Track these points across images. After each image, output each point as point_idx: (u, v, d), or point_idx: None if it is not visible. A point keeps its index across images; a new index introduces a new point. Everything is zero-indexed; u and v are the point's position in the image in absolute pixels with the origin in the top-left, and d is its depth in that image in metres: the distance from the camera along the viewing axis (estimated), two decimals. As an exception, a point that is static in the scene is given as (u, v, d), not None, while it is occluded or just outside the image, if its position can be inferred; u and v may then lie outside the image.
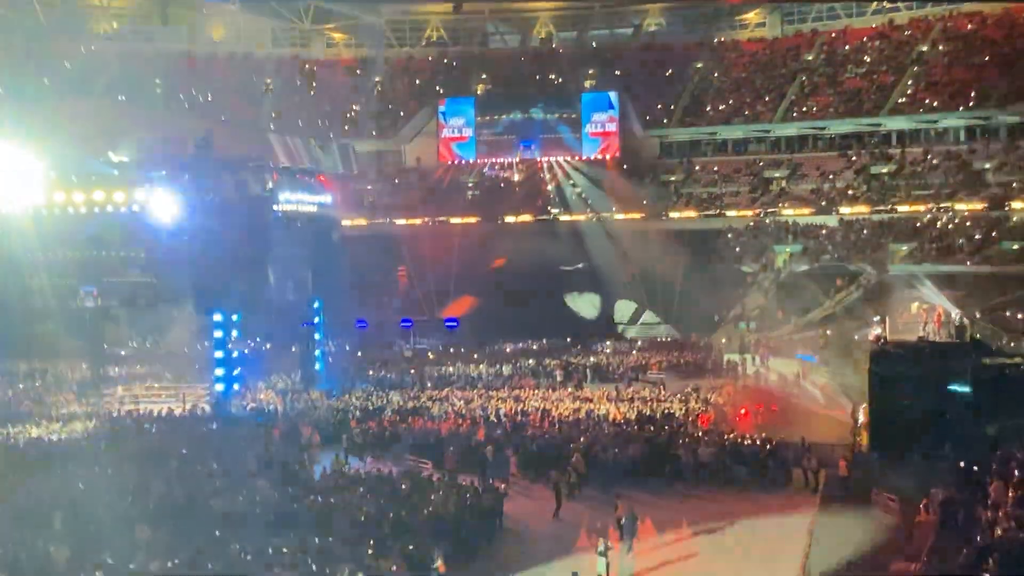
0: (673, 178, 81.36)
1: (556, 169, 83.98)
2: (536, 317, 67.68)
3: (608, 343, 65.93)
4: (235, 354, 49.50)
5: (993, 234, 64.71)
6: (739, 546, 30.43)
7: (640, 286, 71.28)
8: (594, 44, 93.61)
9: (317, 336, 56.74)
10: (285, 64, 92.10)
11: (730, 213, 76.08)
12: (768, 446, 38.67)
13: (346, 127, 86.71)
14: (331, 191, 56.87)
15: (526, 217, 78.60)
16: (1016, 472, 29.24)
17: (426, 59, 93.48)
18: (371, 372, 59.63)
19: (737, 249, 73.02)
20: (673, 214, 77.15)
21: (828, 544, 29.35)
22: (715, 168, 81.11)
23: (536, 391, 52.67)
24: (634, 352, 63.85)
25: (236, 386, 49.75)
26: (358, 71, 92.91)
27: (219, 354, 48.60)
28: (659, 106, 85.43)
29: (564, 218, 78.38)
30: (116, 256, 53.47)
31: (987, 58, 75.73)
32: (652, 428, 42.28)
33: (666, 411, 45.87)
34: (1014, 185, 67.60)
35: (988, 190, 68.49)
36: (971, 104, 73.20)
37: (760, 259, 71.30)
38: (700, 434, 40.95)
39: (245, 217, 44.46)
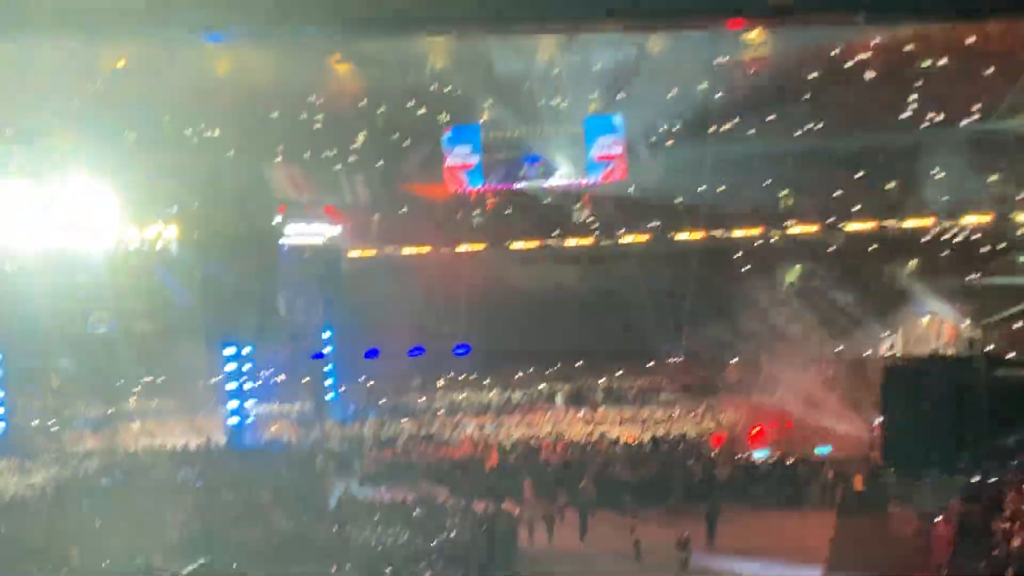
0: (680, 199, 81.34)
1: (563, 193, 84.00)
2: (546, 342, 67.59)
3: (619, 366, 65.81)
4: (248, 386, 49.59)
5: (1002, 245, 64.79)
6: (757, 563, 30.43)
7: (651, 308, 71.23)
8: (598, 67, 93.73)
9: (328, 367, 56.84)
10: (290, 96, 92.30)
11: (738, 233, 76.07)
12: (783, 463, 38.66)
13: (351, 158, 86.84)
14: (338, 222, 57.09)
15: (534, 243, 78.62)
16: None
17: (430, 87, 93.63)
18: (383, 401, 59.65)
19: (747, 267, 72.99)
20: (681, 235, 77.14)
21: (846, 560, 29.37)
22: (722, 187, 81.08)
23: (548, 415, 52.68)
24: (645, 374, 63.75)
25: (250, 418, 49.83)
26: (363, 101, 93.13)
27: (232, 386, 48.71)
28: (664, 127, 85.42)
29: (572, 242, 78.39)
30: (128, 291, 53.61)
31: (991, 70, 75.76)
32: (666, 449, 42.29)
33: (679, 432, 45.86)
34: (1021, 198, 67.67)
35: (994, 203, 68.53)
36: (977, 117, 73.29)
37: (770, 277, 71.27)
38: (714, 454, 40.93)
39: (254, 250, 44.61)
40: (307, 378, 59.96)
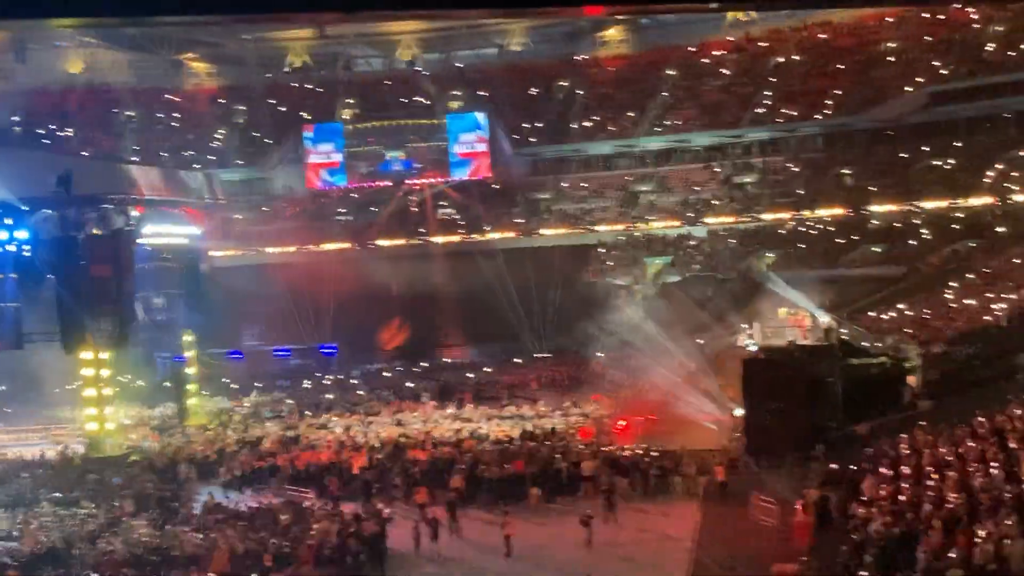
0: (543, 196, 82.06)
1: (427, 191, 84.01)
2: (413, 340, 67.55)
3: (487, 362, 66.05)
4: (106, 392, 48.35)
5: (855, 238, 66.77)
6: (625, 555, 30.77)
7: (516, 303, 71.67)
8: (459, 65, 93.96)
9: (190, 370, 55.82)
10: (146, 95, 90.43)
11: (600, 228, 77.03)
12: (648, 456, 39.19)
13: (211, 157, 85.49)
14: (198, 222, 56.09)
15: (399, 240, 78.48)
16: (888, 468, 30.13)
17: (290, 85, 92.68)
18: (247, 403, 58.86)
19: (609, 263, 73.96)
20: (545, 231, 77.79)
21: (710, 549, 29.87)
22: (584, 184, 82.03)
23: (416, 414, 52.59)
24: (512, 370, 64.09)
25: (109, 425, 48.58)
26: (221, 99, 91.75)
27: (90, 393, 47.43)
28: (526, 125, 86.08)
29: (437, 240, 78.46)
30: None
31: (841, 66, 78.11)
32: (533, 444, 42.54)
33: (546, 427, 46.19)
34: (872, 189, 69.83)
35: (848, 195, 70.62)
36: (828, 112, 75.41)
37: (632, 272, 72.30)
38: (581, 447, 41.29)
39: (111, 252, 43.45)
40: (168, 382, 58.78)
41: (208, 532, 31.85)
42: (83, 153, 77.85)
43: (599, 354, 61.26)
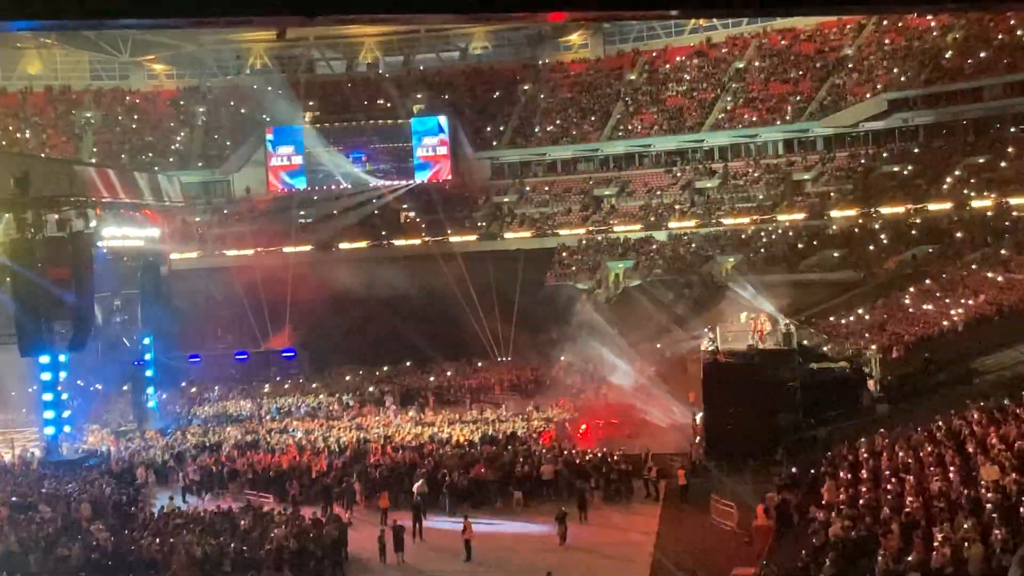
0: (506, 199, 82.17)
1: (388, 194, 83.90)
2: (375, 344, 67.27)
3: (448, 366, 65.90)
4: (64, 396, 47.91)
5: (814, 243, 67.22)
6: (586, 559, 30.81)
7: (477, 307, 71.51)
8: (421, 68, 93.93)
9: (149, 373, 55.39)
10: (105, 97, 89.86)
11: (563, 232, 77.17)
12: (609, 459, 39.25)
13: (171, 159, 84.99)
14: (158, 225, 55.61)
15: (360, 243, 78.26)
16: (847, 472, 30.33)
17: (251, 87, 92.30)
18: (207, 407, 58.47)
19: (572, 267, 74.10)
20: (507, 234, 77.85)
21: (670, 552, 29.97)
22: (546, 188, 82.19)
23: (378, 418, 52.39)
24: (474, 374, 63.98)
25: (67, 428, 48.14)
26: (181, 101, 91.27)
27: (48, 396, 46.95)
28: (489, 128, 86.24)
29: (398, 243, 78.30)
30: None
31: (801, 72, 78.72)
32: (495, 448, 42.50)
33: (508, 431, 46.16)
34: (832, 195, 70.36)
35: (808, 200, 71.11)
36: (788, 118, 75.95)
37: (594, 275, 72.48)
38: (542, 451, 41.29)
39: (69, 254, 43.01)
40: (127, 385, 58.27)
41: (167, 537, 31.58)
42: (41, 155, 77.13)
43: (561, 358, 61.33)
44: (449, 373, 64.32)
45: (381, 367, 66.30)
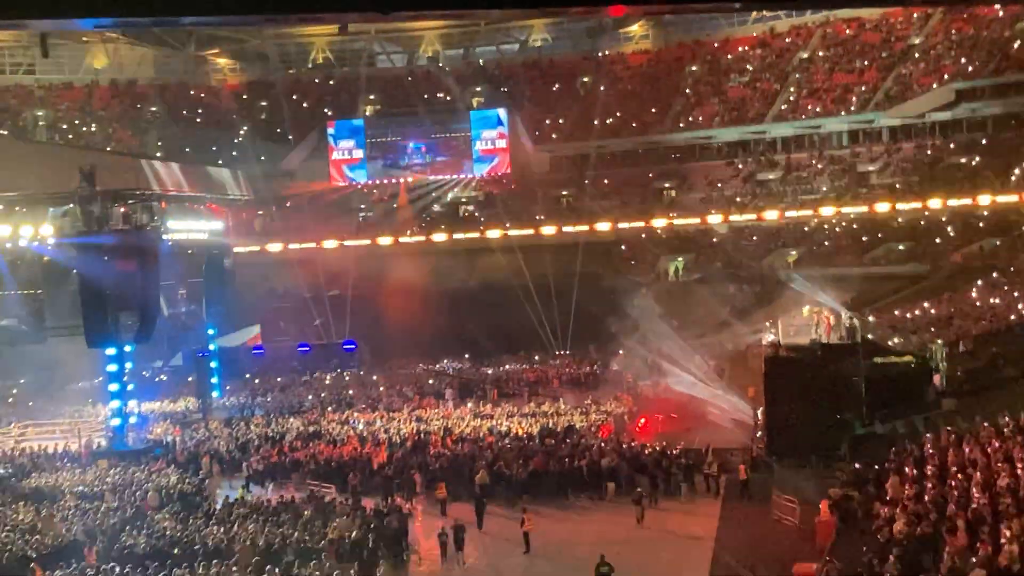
0: (564, 192, 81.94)
1: (448, 188, 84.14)
2: (434, 336, 67.49)
3: (506, 359, 66.03)
4: (130, 386, 48.58)
5: (879, 235, 66.43)
6: (645, 554, 30.70)
7: (536, 300, 71.52)
8: (481, 61, 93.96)
9: (213, 364, 56.03)
10: (170, 91, 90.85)
11: (622, 225, 76.80)
12: (668, 454, 39.12)
13: (234, 152, 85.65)
14: (222, 218, 56.26)
15: (420, 237, 78.47)
16: (912, 468, 29.98)
17: (313, 81, 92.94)
18: (270, 398, 59.07)
19: (631, 260, 73.82)
20: (566, 227, 77.62)
21: (730, 548, 29.81)
22: (605, 181, 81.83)
23: (437, 410, 52.59)
24: (532, 367, 64.04)
25: (132, 419, 48.82)
26: (245, 96, 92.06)
27: (114, 387, 47.62)
28: (548, 121, 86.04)
29: (458, 235, 78.43)
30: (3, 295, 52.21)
31: (866, 62, 77.75)
32: (553, 441, 42.51)
33: (567, 424, 46.14)
34: (897, 186, 69.44)
35: (872, 192, 70.24)
36: (852, 108, 75.02)
37: (653, 269, 72.18)
38: (601, 445, 41.23)
39: (134, 247, 43.60)
40: (191, 376, 59.04)
41: (230, 526, 31.94)
42: (106, 149, 78.13)
43: (620, 352, 61.20)
44: (507, 366, 64.48)
45: (440, 360, 66.60)
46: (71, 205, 43.79)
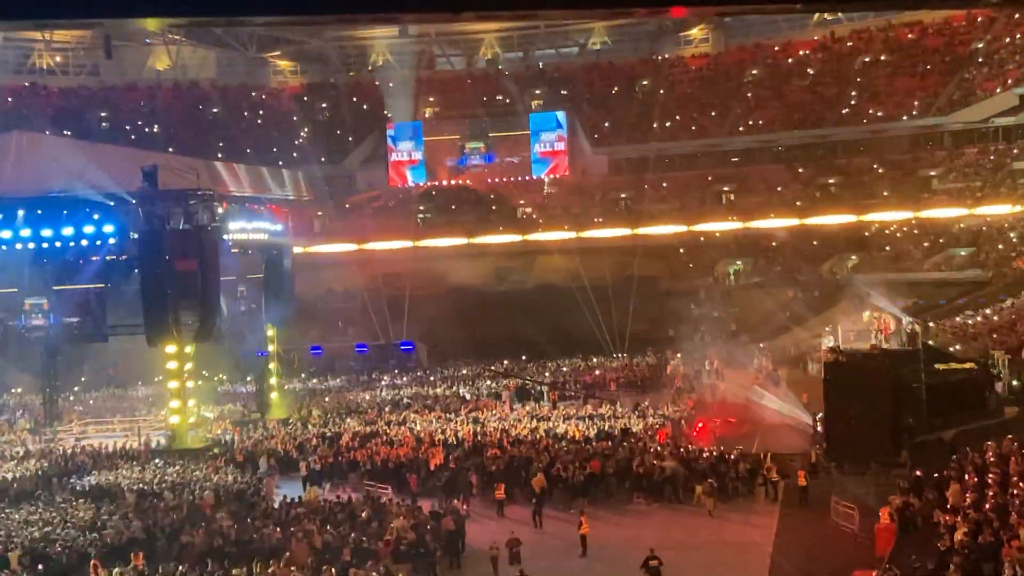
0: (623, 195, 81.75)
1: (507, 190, 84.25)
2: (491, 338, 67.61)
3: (563, 362, 65.92)
4: (190, 385, 48.98)
5: (940, 240, 65.66)
6: (703, 560, 30.50)
7: (593, 303, 71.38)
8: (540, 64, 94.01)
9: (272, 364, 56.40)
10: (231, 92, 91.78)
11: (682, 227, 76.48)
12: (726, 458, 38.83)
13: (295, 154, 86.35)
14: (281, 219, 56.60)
15: (478, 238, 78.61)
16: (973, 476, 29.54)
17: (373, 83, 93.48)
18: (327, 398, 59.39)
19: (689, 263, 73.51)
20: (624, 230, 77.42)
21: (789, 554, 29.54)
22: (664, 184, 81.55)
23: (494, 411, 52.56)
24: (589, 370, 63.87)
25: (191, 418, 49.23)
26: (305, 97, 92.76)
27: (173, 386, 48.06)
28: (607, 124, 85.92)
29: (516, 238, 78.46)
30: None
31: (928, 67, 76.89)
32: (610, 444, 42.35)
33: (624, 427, 45.94)
34: (960, 191, 68.62)
35: (935, 197, 69.45)
36: (915, 113, 74.21)
37: (712, 272, 71.82)
38: (658, 449, 41.01)
39: (195, 247, 43.98)
40: (250, 376, 59.54)
41: (288, 526, 32.11)
42: (169, 149, 79.09)
43: (677, 355, 60.92)
44: (564, 369, 64.37)
45: (498, 361, 66.63)
46: (133, 206, 44.28)
